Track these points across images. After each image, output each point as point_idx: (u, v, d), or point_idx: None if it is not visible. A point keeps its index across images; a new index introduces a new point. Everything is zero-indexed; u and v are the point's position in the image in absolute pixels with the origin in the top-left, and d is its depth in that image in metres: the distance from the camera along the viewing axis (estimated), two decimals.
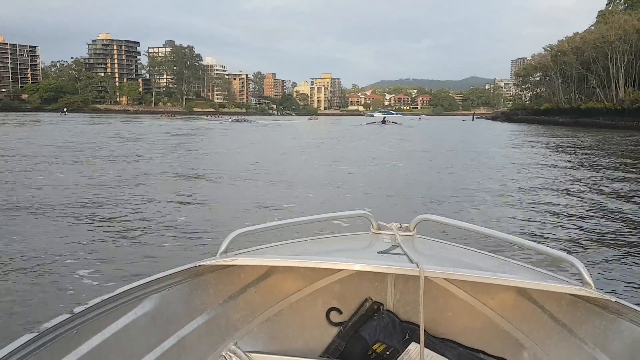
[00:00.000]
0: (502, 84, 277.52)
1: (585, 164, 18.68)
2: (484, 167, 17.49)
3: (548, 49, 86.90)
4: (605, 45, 67.53)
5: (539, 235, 7.57)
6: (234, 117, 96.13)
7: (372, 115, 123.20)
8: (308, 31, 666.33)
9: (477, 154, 23.13)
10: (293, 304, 2.35)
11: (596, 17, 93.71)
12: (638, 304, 1.67)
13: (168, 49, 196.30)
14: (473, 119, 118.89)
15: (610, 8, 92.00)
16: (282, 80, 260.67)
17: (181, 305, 1.90)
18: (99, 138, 31.32)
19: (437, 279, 2.20)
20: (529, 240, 2.15)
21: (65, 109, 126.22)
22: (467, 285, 2.20)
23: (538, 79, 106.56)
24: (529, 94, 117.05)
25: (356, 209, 2.49)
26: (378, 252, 2.02)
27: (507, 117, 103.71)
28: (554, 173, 15.63)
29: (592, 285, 1.73)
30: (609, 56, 67.62)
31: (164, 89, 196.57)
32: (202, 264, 1.94)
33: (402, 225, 2.35)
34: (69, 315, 1.40)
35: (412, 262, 1.83)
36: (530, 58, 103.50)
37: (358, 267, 1.90)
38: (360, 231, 2.48)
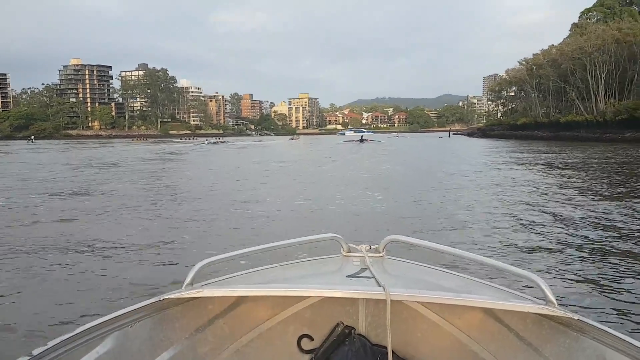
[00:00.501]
0: (475, 101, 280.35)
1: (599, 184, 15.15)
2: (484, 197, 13.74)
3: (523, 62, 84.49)
4: (584, 57, 65.28)
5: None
6: (211, 139, 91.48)
7: (344, 134, 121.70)
8: (284, 52, 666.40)
9: (467, 175, 19.45)
10: (263, 333, 2.28)
11: (569, 30, 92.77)
12: (599, 321, 1.69)
13: (141, 72, 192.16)
14: (449, 136, 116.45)
15: (584, 20, 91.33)
16: (260, 101, 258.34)
17: (146, 342, 1.82)
18: (36, 169, 26.97)
19: (405, 301, 2.19)
20: (493, 259, 2.12)
21: (32, 137, 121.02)
22: (435, 306, 2.20)
23: (513, 93, 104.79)
24: (503, 109, 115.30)
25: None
26: (347, 276, 2.02)
27: (483, 133, 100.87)
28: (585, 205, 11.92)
29: (555, 303, 1.73)
30: (588, 67, 65.36)
31: (138, 112, 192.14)
32: (167, 297, 1.88)
33: (372, 247, 2.34)
34: (28, 358, 1.35)
35: (380, 286, 1.83)
36: (504, 73, 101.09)
37: (326, 293, 1.92)
38: (331, 254, 2.44)
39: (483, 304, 1.83)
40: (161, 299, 1.85)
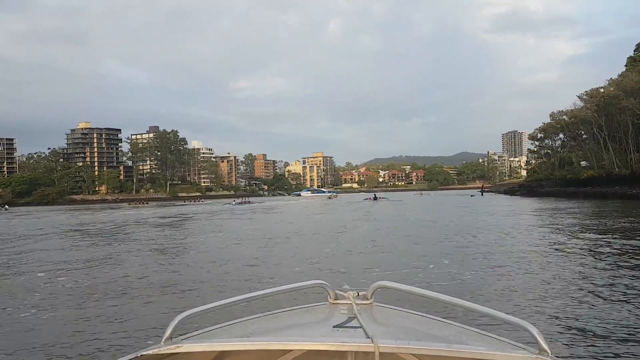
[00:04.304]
0: (495, 157, 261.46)
1: None
2: None
3: (585, 97, 63.26)
4: None
5: None
6: (237, 200, 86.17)
7: (299, 195, 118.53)
8: (301, 114, 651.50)
9: None
10: None
11: (625, 65, 73.11)
12: None
13: (151, 135, 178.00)
14: (482, 194, 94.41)
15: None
16: (274, 161, 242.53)
17: None
18: None
19: (396, 353, 2.02)
20: (487, 307, 1.99)
21: (6, 205, 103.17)
22: (427, 357, 1.98)
23: (559, 142, 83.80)
24: (539, 161, 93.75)
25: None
26: (334, 327, 1.89)
27: (528, 191, 77.93)
28: None
29: (549, 352, 1.62)
30: None
31: (147, 175, 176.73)
32: (144, 353, 1.70)
33: (360, 294, 2.21)
34: None
35: (368, 337, 1.72)
36: (549, 118, 79.60)
37: (311, 346, 1.77)
38: (317, 302, 2.28)
39: (476, 354, 1.67)
40: (138, 355, 1.67)
